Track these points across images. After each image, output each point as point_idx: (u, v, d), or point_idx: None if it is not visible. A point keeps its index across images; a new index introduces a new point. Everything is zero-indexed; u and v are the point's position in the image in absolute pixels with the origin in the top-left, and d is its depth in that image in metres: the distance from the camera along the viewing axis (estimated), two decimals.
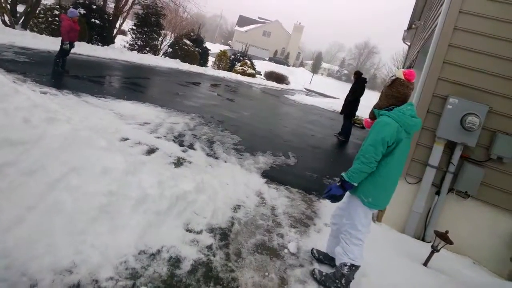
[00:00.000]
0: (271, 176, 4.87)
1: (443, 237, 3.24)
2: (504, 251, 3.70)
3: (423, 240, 3.98)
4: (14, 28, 12.70)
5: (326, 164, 6.62)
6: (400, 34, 12.58)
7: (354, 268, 2.61)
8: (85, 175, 2.82)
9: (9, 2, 13.11)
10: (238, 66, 27.46)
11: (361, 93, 9.18)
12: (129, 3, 18.07)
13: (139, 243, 2.56)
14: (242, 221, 3.40)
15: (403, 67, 11.79)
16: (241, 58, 29.79)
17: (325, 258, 3.05)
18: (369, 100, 11.16)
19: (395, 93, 2.49)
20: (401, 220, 4.14)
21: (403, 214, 4.13)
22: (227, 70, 26.53)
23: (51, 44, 10.89)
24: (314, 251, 3.12)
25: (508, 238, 3.69)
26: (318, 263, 3.02)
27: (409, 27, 11.15)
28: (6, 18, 12.92)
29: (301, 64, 73.19)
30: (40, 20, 13.57)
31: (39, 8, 14.02)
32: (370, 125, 2.60)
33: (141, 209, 2.76)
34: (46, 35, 12.68)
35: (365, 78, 9.30)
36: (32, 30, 13.34)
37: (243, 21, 70.07)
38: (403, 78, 2.48)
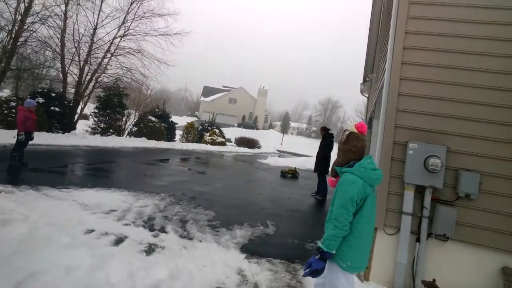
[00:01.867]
0: (251, 249, 4.64)
1: (431, 286, 3.11)
2: None
3: None
4: None
5: (306, 227, 6.46)
6: (358, 87, 13.36)
7: None
8: (46, 279, 2.55)
9: None
10: (207, 136, 27.79)
11: (331, 149, 9.41)
12: (90, 87, 18.28)
13: None
14: None
15: (365, 118, 12.43)
16: (209, 127, 30.35)
17: None
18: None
19: (352, 148, 2.53)
20: (389, 274, 3.98)
21: (389, 268, 3.99)
22: (196, 142, 26.76)
23: (7, 137, 10.58)
24: None
25: (496, 277, 3.62)
26: None
27: (364, 80, 11.91)
28: None
29: (270, 126, 75.83)
30: None
31: None
32: (334, 184, 2.59)
33: None
34: (1, 128, 12.38)
35: (332, 134, 9.61)
36: None
37: (208, 91, 72.95)
38: (356, 131, 2.55)
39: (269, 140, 45.23)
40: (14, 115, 12.55)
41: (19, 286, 2.43)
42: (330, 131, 9.65)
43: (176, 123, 26.04)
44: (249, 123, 65.10)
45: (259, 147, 35.17)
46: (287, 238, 5.44)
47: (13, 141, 8.14)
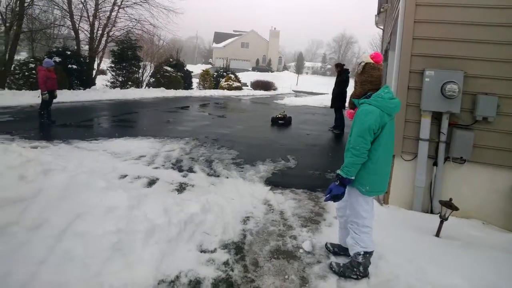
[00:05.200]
0: (275, 182, 4.93)
1: (448, 205, 3.30)
2: (508, 206, 3.77)
3: (431, 212, 4.04)
4: None
5: (325, 159, 6.69)
6: (373, 20, 12.78)
7: (367, 254, 2.66)
8: (91, 218, 2.86)
9: None
10: (223, 82, 27.68)
11: (346, 85, 9.33)
12: (103, 42, 18.26)
13: (157, 274, 2.59)
14: (253, 231, 3.45)
15: (380, 51, 11.97)
16: (225, 73, 30.04)
17: (340, 250, 3.09)
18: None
19: (369, 78, 2.57)
20: (407, 198, 4.19)
21: (408, 192, 4.19)
22: (213, 88, 26.73)
23: (32, 97, 10.98)
24: (328, 245, 3.16)
25: (508, 192, 3.77)
26: (334, 256, 3.06)
27: (379, 12, 11.32)
28: None
29: (285, 68, 73.95)
30: (17, 76, 13.73)
31: (13, 65, 14.17)
32: (352, 116, 2.68)
33: (152, 240, 2.81)
34: (25, 90, 12.80)
35: (347, 69, 9.45)
36: (10, 88, 13.46)
37: (219, 37, 70.84)
38: (371, 61, 2.57)
39: (284, 82, 44.46)
40: (34, 76, 12.84)
41: (70, 226, 2.77)
42: (345, 67, 9.46)
43: (192, 72, 25.91)
44: (263, 66, 63.71)
45: (275, 89, 34.83)
46: (308, 170, 5.71)
47: (38, 101, 8.47)
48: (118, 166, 4.98)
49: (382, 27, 12.38)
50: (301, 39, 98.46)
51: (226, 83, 27.42)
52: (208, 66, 48.85)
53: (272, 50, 70.80)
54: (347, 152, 2.55)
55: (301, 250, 3.13)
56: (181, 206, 3.48)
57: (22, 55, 18.97)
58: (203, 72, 27.52)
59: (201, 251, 2.97)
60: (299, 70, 62.52)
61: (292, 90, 39.94)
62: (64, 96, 12.28)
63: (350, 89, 9.09)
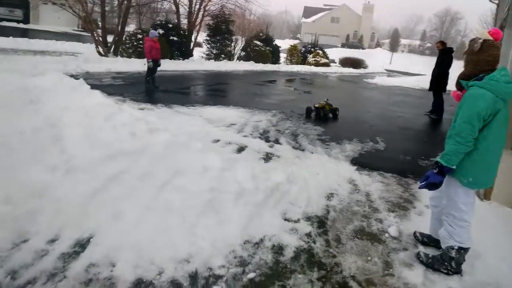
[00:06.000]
0: (361, 162, 4.74)
1: None
2: None
3: None
4: (107, 56, 14.55)
5: (419, 145, 6.18)
6: None
7: (462, 250, 2.42)
8: (188, 175, 3.13)
9: (100, 35, 15.03)
10: (310, 58, 27.10)
11: (449, 65, 8.32)
12: (200, 16, 19.23)
13: (244, 234, 2.74)
14: (337, 208, 3.40)
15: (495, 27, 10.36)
16: (312, 49, 29.30)
17: (429, 240, 2.88)
18: (459, 71, 10.01)
19: (487, 57, 2.24)
20: None
21: None
22: (300, 64, 26.37)
23: (140, 65, 12.19)
24: (417, 234, 2.96)
25: None
26: (422, 246, 2.87)
27: None
28: (101, 49, 14.84)
29: (377, 45, 68.86)
30: (127, 45, 15.35)
31: (124, 35, 15.82)
32: (459, 98, 2.39)
33: (241, 202, 2.97)
34: (134, 58, 14.24)
35: (451, 48, 8.40)
36: (122, 56, 15.13)
37: (309, 12, 68.77)
38: (490, 38, 2.22)
39: (376, 60, 41.54)
40: (142, 46, 14.20)
41: (171, 179, 3.06)
42: (448, 46, 8.40)
43: (280, 47, 25.86)
44: (354, 42, 60.13)
45: (365, 67, 32.83)
46: (399, 154, 5.35)
47: (145, 68, 9.39)
48: (211, 131, 5.31)
49: (496, 1, 10.74)
50: (397, 14, 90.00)
51: (313, 59, 26.78)
52: (296, 41, 48.13)
53: (365, 26, 66.30)
54: (449, 139, 2.31)
55: (386, 235, 3.00)
56: (268, 174, 3.58)
57: (131, 27, 21.00)
58: (291, 47, 27.23)
59: (285, 220, 3.04)
60: (393, 47, 57.54)
61: (385, 69, 37.26)
62: (166, 65, 13.35)
63: (452, 71, 8.25)
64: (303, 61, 27.40)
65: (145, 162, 3.13)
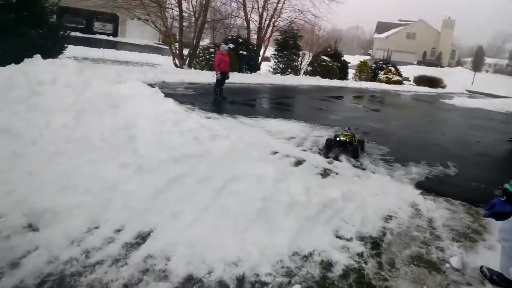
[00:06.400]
0: (427, 187, 4.44)
1: None
2: None
3: None
4: (182, 68, 15.67)
5: (497, 173, 5.58)
6: None
7: None
8: (243, 182, 3.24)
9: (177, 48, 16.28)
10: (381, 75, 26.13)
11: None
12: (269, 31, 19.83)
13: (292, 245, 2.75)
14: (394, 231, 3.23)
15: None
16: (384, 65, 28.22)
17: (500, 280, 2.58)
18: None
19: None
20: None
21: None
22: (370, 81, 25.55)
23: (210, 77, 12.88)
24: (485, 269, 2.68)
25: None
26: (491, 285, 2.59)
27: None
28: (177, 61, 16.06)
29: (458, 63, 63.73)
30: (201, 58, 16.39)
31: (199, 49, 16.93)
32: None
33: (292, 214, 2.98)
34: (206, 70, 15.12)
35: None
36: (195, 68, 16.18)
37: (382, 27, 66.37)
38: None
39: (457, 79, 38.36)
40: (213, 59, 15.06)
41: (227, 185, 3.19)
42: None
43: (349, 62, 25.37)
44: (431, 60, 56.42)
45: (443, 87, 30.58)
46: (471, 181, 4.91)
47: (214, 80, 9.92)
48: (271, 143, 5.41)
49: None
50: (482, 30, 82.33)
51: (384, 76, 25.76)
52: (367, 57, 46.72)
53: (444, 42, 61.75)
54: None
55: (447, 265, 2.77)
56: (323, 189, 3.55)
57: (205, 41, 22.36)
58: (361, 63, 26.56)
59: (337, 237, 2.97)
60: (477, 66, 52.68)
61: (465, 90, 34.33)
62: (234, 78, 13.93)
63: None
64: (374, 78, 26.51)
65: (205, 167, 3.32)
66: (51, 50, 8.19)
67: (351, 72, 25.74)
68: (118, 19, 26.06)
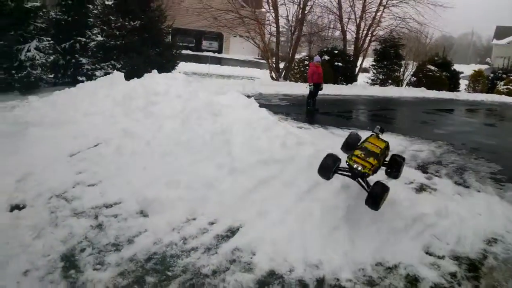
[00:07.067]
0: None
1: None
2: None
3: None
4: (278, 80, 16.22)
5: None
6: None
7: None
8: (327, 189, 3.28)
9: (274, 62, 16.96)
10: (501, 86, 22.79)
11: None
12: (367, 41, 19.14)
13: (376, 255, 2.71)
14: (499, 256, 2.90)
15: None
16: (504, 75, 24.58)
17: None
18: None
19: None
20: None
21: None
22: (486, 92, 22.54)
23: (304, 89, 13.07)
24: None
25: None
26: None
27: None
28: (273, 74, 16.73)
29: None
30: (295, 71, 16.74)
31: (294, 62, 17.30)
32: None
33: (376, 224, 2.93)
34: (300, 82, 15.39)
35: None
36: (290, 80, 16.59)
37: (502, 32, 57.47)
38: None
39: None
40: (307, 71, 15.29)
41: (311, 190, 3.24)
42: None
43: (462, 72, 22.82)
44: None
45: None
46: None
47: (307, 91, 10.07)
48: None
49: None
50: None
51: (505, 87, 22.39)
52: (484, 66, 41.20)
53: None
54: None
55: None
56: (413, 203, 3.37)
57: (302, 54, 22.75)
58: (475, 73, 23.58)
59: (426, 253, 2.82)
60: None
61: None
62: (329, 89, 13.86)
63: None
64: (491, 89, 23.31)
65: (291, 171, 3.48)
66: (166, 66, 9.48)
67: (463, 83, 23.11)
68: (222, 37, 28.48)
